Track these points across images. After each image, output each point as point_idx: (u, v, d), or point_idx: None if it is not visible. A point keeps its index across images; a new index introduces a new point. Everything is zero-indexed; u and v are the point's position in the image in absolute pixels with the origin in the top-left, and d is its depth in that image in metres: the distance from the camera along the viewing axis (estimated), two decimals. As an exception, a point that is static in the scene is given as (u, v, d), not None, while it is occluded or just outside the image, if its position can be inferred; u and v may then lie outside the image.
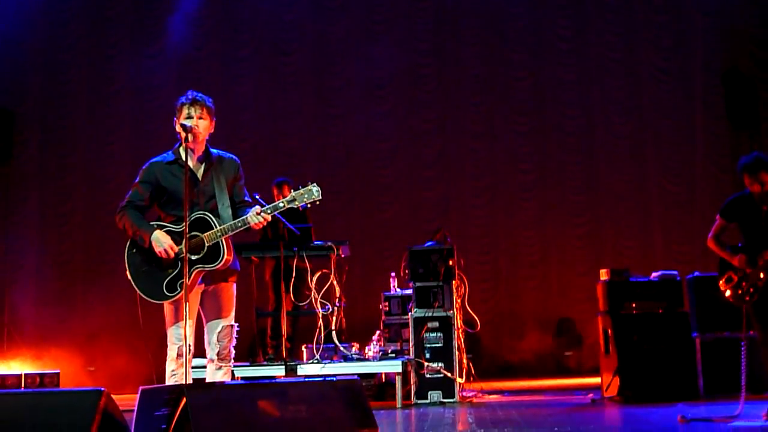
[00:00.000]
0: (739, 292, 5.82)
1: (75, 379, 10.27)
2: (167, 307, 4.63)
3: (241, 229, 4.58)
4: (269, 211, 4.58)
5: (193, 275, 4.51)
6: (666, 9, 11.98)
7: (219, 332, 4.69)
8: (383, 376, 8.43)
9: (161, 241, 4.57)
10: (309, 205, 4.61)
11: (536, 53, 12.10)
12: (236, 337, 4.77)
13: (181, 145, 4.65)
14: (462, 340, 8.14)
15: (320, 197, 4.58)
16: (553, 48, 12.09)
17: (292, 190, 8.14)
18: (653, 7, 12.01)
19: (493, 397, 8.09)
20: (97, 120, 12.09)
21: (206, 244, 4.55)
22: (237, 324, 4.78)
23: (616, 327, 7.39)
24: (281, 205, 4.58)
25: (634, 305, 7.46)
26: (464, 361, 8.11)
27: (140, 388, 3.87)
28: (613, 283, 7.56)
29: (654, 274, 7.69)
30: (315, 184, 4.59)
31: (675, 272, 7.67)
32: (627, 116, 11.96)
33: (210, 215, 4.58)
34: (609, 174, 11.84)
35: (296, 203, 4.58)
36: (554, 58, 12.06)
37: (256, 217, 4.55)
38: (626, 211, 11.76)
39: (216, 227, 4.56)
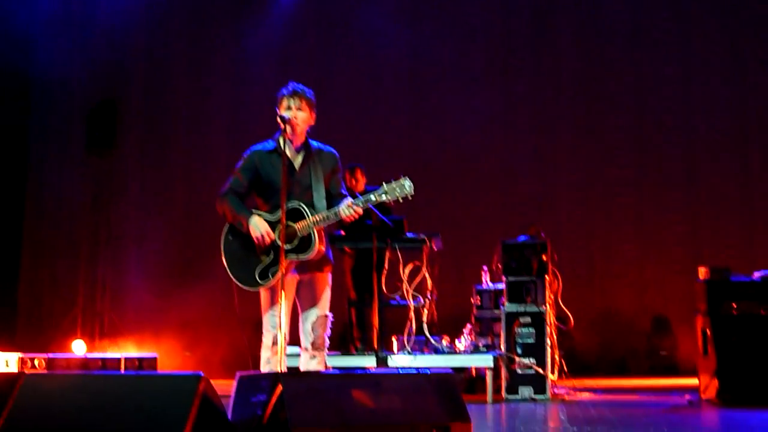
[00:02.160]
0: None
1: (172, 363, 10.53)
2: (263, 294, 4.72)
3: (334, 220, 4.61)
4: (360, 204, 4.59)
5: (285, 264, 4.56)
6: (771, 0, 11.58)
7: (313, 321, 4.75)
8: (473, 370, 8.40)
9: (259, 226, 4.65)
10: (401, 200, 4.55)
11: (636, 46, 11.83)
12: (330, 327, 4.82)
13: (281, 134, 4.71)
14: (554, 337, 8.05)
15: (413, 192, 4.51)
16: (654, 41, 11.80)
17: (365, 175, 8.26)
18: (758, 1, 11.60)
19: (585, 395, 7.97)
20: (196, 111, 12.34)
21: (299, 234, 4.60)
22: (331, 314, 4.83)
23: (715, 328, 7.18)
24: (373, 198, 4.57)
25: (734, 306, 7.23)
26: (556, 357, 8.01)
27: (238, 373, 3.94)
28: (712, 282, 7.34)
29: (756, 274, 7.43)
30: (407, 178, 4.54)
31: (779, 272, 7.40)
32: (730, 111, 11.59)
33: (304, 206, 4.63)
34: (710, 170, 11.50)
35: (388, 197, 4.54)
36: (655, 52, 11.78)
37: (348, 209, 4.57)
38: (727, 208, 11.40)
39: (308, 217, 4.60)
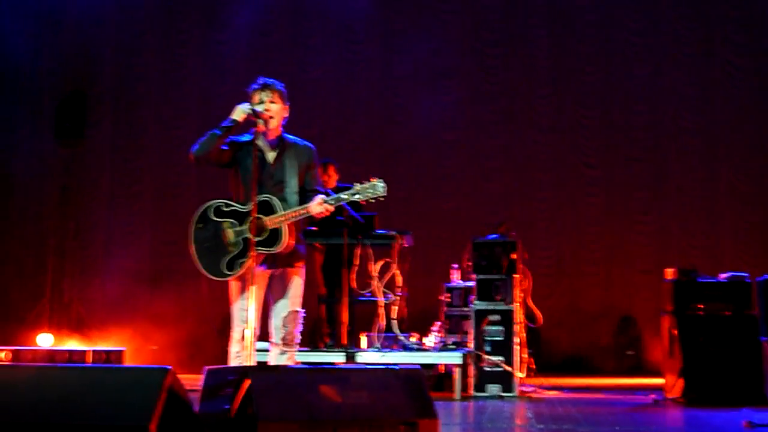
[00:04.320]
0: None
1: (139, 357, 10.47)
2: (233, 288, 4.70)
3: (303, 216, 4.61)
4: (332, 202, 4.60)
5: (253, 257, 4.53)
6: (741, 5, 11.70)
7: (284, 317, 4.74)
8: (442, 368, 8.43)
9: (241, 107, 4.69)
10: (373, 201, 4.58)
11: (606, 47, 11.92)
12: (301, 323, 4.81)
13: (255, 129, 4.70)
14: (523, 335, 8.10)
15: (385, 194, 4.55)
16: (623, 42, 11.89)
17: (337, 171, 8.27)
18: (728, 2, 11.73)
19: (553, 393, 8.02)
20: (167, 103, 12.27)
21: (267, 228, 4.59)
22: (303, 310, 4.82)
23: (681, 328, 7.25)
24: (344, 197, 4.60)
25: (700, 306, 7.31)
26: (524, 355, 8.06)
27: (205, 367, 3.92)
28: (679, 282, 7.41)
29: (722, 275, 7.52)
30: (381, 180, 4.57)
31: (745, 274, 7.49)
32: (698, 112, 11.71)
33: (275, 199, 4.62)
34: (677, 171, 11.62)
35: (359, 197, 4.57)
36: (624, 52, 11.87)
37: (318, 206, 4.57)
38: (694, 209, 11.52)
39: (279, 211, 4.60)
